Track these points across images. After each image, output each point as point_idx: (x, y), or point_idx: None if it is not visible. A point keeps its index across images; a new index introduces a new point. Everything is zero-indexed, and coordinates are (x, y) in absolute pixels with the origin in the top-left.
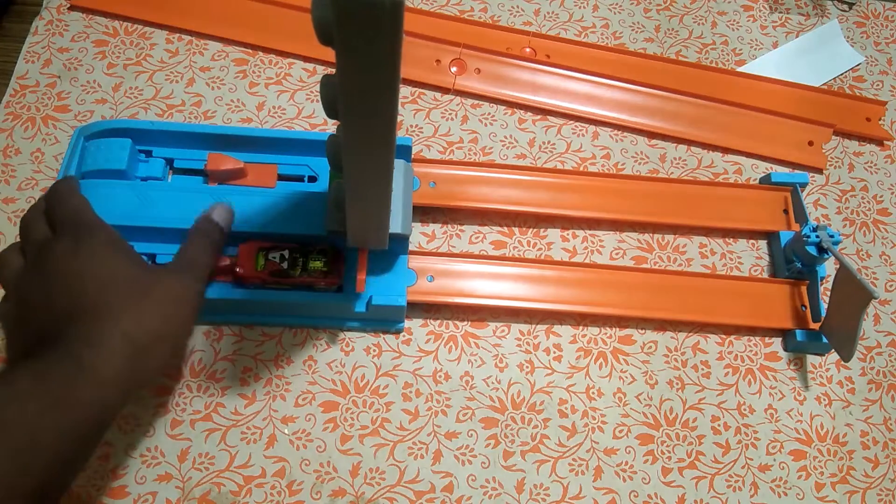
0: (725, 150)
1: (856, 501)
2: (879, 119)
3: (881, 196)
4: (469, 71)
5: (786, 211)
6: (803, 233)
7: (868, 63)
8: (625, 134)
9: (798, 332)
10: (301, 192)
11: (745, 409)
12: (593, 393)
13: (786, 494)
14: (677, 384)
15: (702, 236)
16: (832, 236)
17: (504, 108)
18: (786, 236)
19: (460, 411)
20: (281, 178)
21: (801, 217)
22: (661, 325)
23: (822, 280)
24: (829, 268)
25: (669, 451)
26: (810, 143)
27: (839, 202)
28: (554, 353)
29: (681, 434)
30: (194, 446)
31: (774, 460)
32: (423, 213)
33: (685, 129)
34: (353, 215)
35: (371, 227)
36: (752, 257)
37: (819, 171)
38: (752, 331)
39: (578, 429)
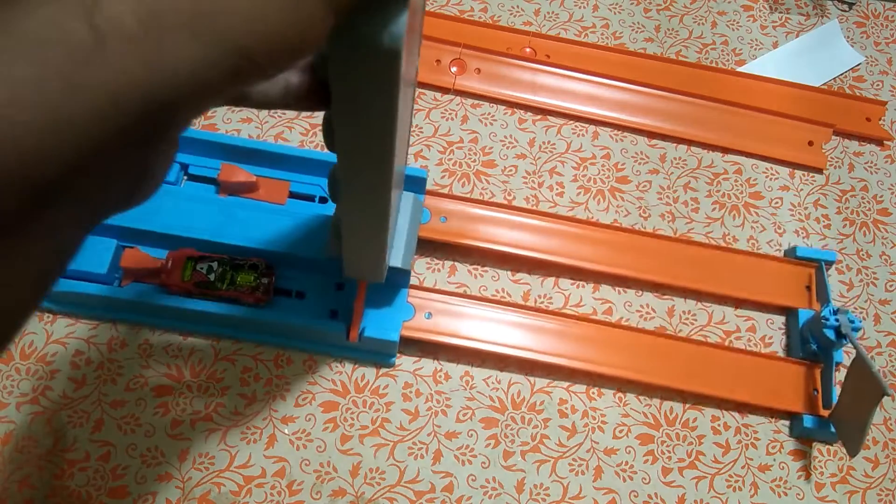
0: (725, 150)
1: (856, 501)
2: (879, 119)
3: (881, 196)
4: (469, 71)
5: (808, 287)
6: (823, 314)
7: (868, 63)
8: (625, 134)
9: (806, 417)
10: (309, 213)
11: (745, 409)
12: (593, 393)
13: (786, 494)
14: None
15: (718, 304)
16: (852, 322)
17: (504, 108)
18: (805, 315)
19: (460, 411)
20: (292, 195)
21: (823, 297)
22: (667, 393)
23: (837, 365)
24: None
25: (669, 451)
26: (810, 143)
27: (839, 202)
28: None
29: (681, 434)
30: (194, 446)
31: (774, 460)
32: (431, 247)
33: (685, 129)
34: (348, 248)
35: (366, 261)
36: (767, 332)
37: (819, 171)
38: (756, 409)
39: (578, 429)
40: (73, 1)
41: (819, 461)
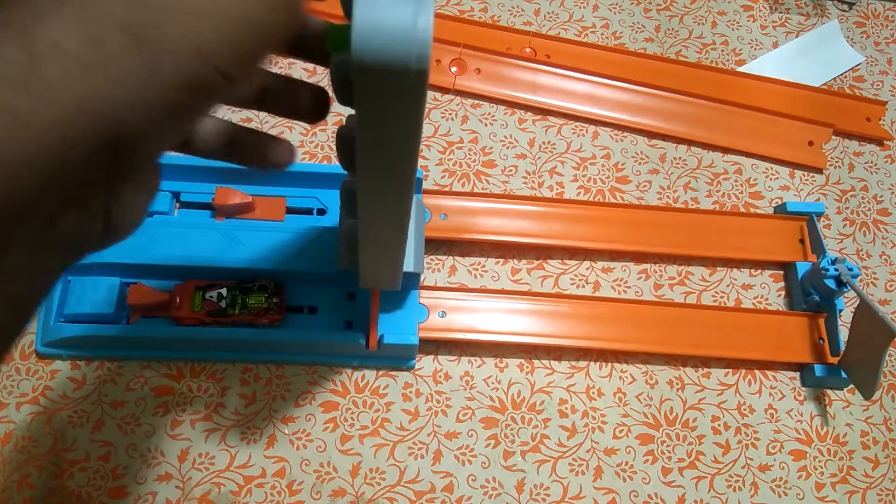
0: (725, 150)
1: (856, 501)
2: (879, 119)
3: (881, 196)
4: (469, 71)
5: (802, 241)
6: (821, 265)
7: (868, 63)
8: (625, 134)
9: (817, 366)
10: (310, 227)
11: (745, 409)
12: (593, 393)
13: (786, 494)
14: (677, 384)
15: (715, 267)
16: (850, 269)
17: (504, 108)
18: (802, 267)
19: (460, 411)
20: (289, 210)
21: (818, 248)
22: (675, 359)
23: (839, 313)
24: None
25: (669, 451)
26: (810, 143)
27: (839, 202)
28: (554, 352)
29: (681, 434)
30: (194, 446)
31: (774, 460)
32: (435, 246)
33: (685, 129)
34: (366, 260)
35: (385, 271)
36: (767, 289)
37: (819, 171)
38: (767, 366)
39: (578, 429)
40: (8, 26)
41: (819, 461)
